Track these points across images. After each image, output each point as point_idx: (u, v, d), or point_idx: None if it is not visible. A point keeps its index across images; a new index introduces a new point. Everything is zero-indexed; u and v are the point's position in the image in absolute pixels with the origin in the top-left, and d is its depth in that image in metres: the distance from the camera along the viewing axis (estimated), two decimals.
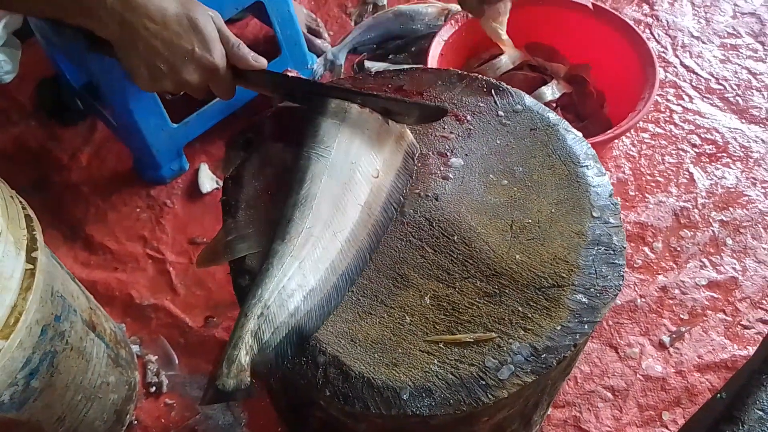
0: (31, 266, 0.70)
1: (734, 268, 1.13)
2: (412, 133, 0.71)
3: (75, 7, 0.59)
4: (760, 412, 0.62)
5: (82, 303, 0.86)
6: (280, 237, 0.60)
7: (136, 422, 0.99)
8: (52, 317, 0.75)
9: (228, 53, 0.66)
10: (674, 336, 1.06)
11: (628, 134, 1.31)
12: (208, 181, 1.26)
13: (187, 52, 0.61)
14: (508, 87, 0.76)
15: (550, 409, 0.98)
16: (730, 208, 1.21)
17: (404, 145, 0.69)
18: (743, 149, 1.30)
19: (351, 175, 0.64)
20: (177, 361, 1.05)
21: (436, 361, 0.55)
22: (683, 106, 1.37)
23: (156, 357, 1.06)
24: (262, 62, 0.69)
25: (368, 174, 0.65)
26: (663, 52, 1.47)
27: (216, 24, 0.64)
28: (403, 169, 0.68)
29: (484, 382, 0.54)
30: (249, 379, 0.54)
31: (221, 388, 0.53)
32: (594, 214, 0.64)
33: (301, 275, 0.58)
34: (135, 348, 1.06)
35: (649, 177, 1.26)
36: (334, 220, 0.62)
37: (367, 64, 1.42)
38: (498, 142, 0.71)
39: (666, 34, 1.51)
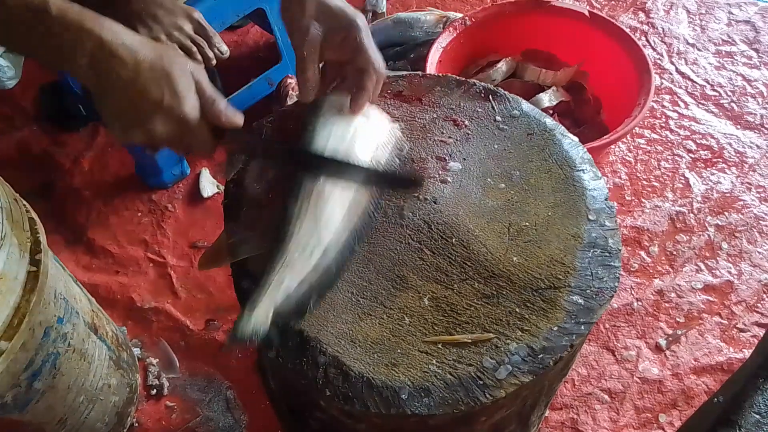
0: (35, 268, 0.70)
1: (730, 272, 1.14)
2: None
3: (54, 53, 0.57)
4: (757, 416, 0.62)
5: (84, 305, 0.87)
6: (293, 198, 0.63)
7: (137, 424, 1.00)
8: (55, 319, 0.76)
9: (203, 107, 0.62)
10: (671, 339, 1.07)
11: (624, 140, 1.33)
12: (209, 185, 1.27)
13: (156, 102, 0.58)
14: (506, 93, 0.77)
15: (547, 411, 0.98)
16: (726, 213, 1.22)
17: None
18: (738, 155, 1.31)
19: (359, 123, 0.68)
20: (178, 364, 1.06)
21: (434, 362, 0.56)
22: (679, 112, 1.39)
23: (157, 360, 1.06)
24: (237, 120, 0.65)
25: (370, 143, 0.68)
26: (659, 59, 1.49)
27: (195, 76, 0.61)
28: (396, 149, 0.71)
29: (482, 382, 0.55)
30: (268, 326, 0.57)
31: (240, 335, 0.56)
32: (590, 217, 0.65)
33: (318, 234, 0.62)
34: (136, 351, 1.07)
35: (645, 182, 1.28)
36: (351, 154, 0.65)
37: None
38: (496, 146, 0.72)
39: (662, 41, 1.53)
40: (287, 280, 0.59)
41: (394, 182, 0.68)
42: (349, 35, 0.66)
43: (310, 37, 0.66)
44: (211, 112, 0.62)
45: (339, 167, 0.65)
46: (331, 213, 0.63)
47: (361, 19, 0.67)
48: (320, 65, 0.70)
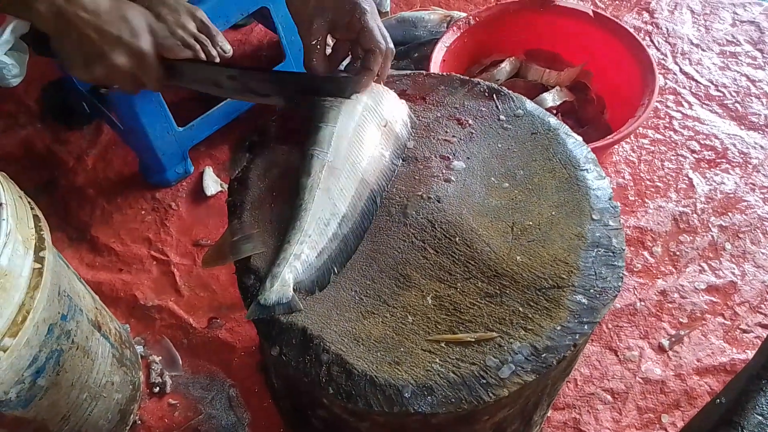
0: (39, 265, 0.71)
1: (733, 273, 1.14)
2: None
3: (14, 1, 0.65)
4: (760, 417, 0.62)
5: (87, 303, 0.87)
6: (305, 172, 0.65)
7: (139, 422, 1.00)
8: (59, 316, 0.76)
9: (157, 44, 0.71)
10: (673, 339, 1.07)
11: (628, 140, 1.33)
12: (213, 184, 1.28)
13: (116, 38, 0.67)
14: (510, 92, 0.77)
15: (550, 411, 0.98)
16: (729, 214, 1.22)
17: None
18: (742, 155, 1.31)
19: (362, 118, 0.69)
20: (180, 362, 1.06)
21: (437, 360, 0.56)
22: (683, 113, 1.38)
23: (160, 357, 1.07)
24: (187, 52, 0.76)
25: (377, 119, 0.70)
26: (663, 59, 1.49)
27: (147, 20, 0.71)
28: (405, 124, 0.73)
29: (485, 381, 0.55)
30: (291, 293, 0.59)
31: (263, 303, 0.59)
32: (594, 217, 0.65)
33: (332, 204, 0.64)
34: (139, 348, 1.07)
35: (648, 182, 1.27)
36: (351, 153, 0.67)
37: None
38: (499, 145, 0.72)
39: (666, 41, 1.53)
40: (306, 251, 0.61)
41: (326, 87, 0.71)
42: (353, 17, 0.69)
43: (316, 27, 0.70)
44: (163, 46, 0.72)
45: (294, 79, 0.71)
46: (345, 184, 0.65)
47: (365, 1, 0.70)
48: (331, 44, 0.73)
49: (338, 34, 0.72)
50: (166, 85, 0.75)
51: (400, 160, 0.71)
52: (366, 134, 0.69)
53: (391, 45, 0.71)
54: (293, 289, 0.60)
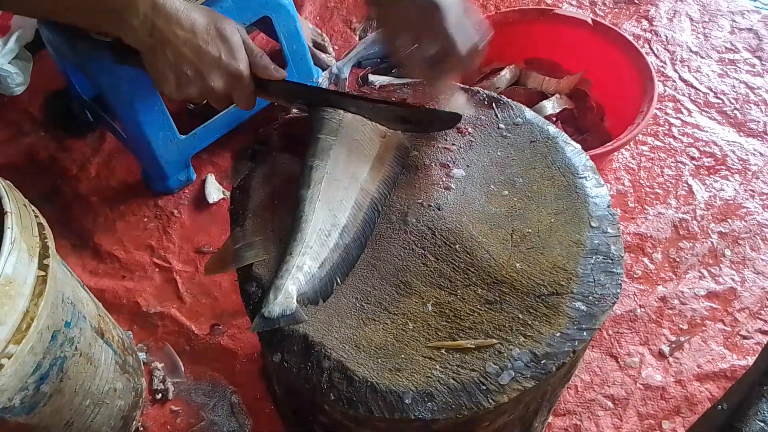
0: (43, 273, 0.71)
1: (733, 279, 1.15)
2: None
3: (106, 16, 0.62)
4: (762, 423, 0.62)
5: (91, 310, 0.88)
6: (305, 184, 0.66)
7: (142, 428, 1.00)
8: (63, 323, 0.76)
9: (251, 63, 0.68)
10: (674, 346, 1.07)
11: (627, 147, 1.33)
12: (215, 191, 1.28)
13: (215, 59, 0.64)
14: (509, 100, 0.78)
15: (550, 417, 0.99)
16: (729, 220, 1.23)
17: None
18: (741, 162, 1.31)
19: (363, 131, 0.71)
20: (183, 369, 1.07)
21: (438, 367, 0.57)
22: (682, 120, 1.39)
23: (162, 364, 1.07)
24: (282, 73, 0.72)
25: (377, 133, 0.71)
26: (662, 66, 1.50)
27: (241, 35, 0.67)
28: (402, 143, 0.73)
29: (485, 387, 0.55)
30: (294, 305, 0.60)
31: (267, 315, 0.59)
32: (592, 224, 0.66)
33: (333, 215, 0.64)
34: (142, 355, 1.07)
35: (648, 189, 1.28)
36: (351, 164, 0.68)
37: (372, 77, 1.45)
38: (499, 153, 0.73)
39: (665, 48, 1.53)
40: (308, 262, 0.62)
41: (431, 121, 0.71)
42: (433, 18, 0.68)
43: (400, 41, 0.68)
44: (258, 65, 0.69)
45: (374, 106, 0.68)
46: (345, 195, 0.66)
47: (446, 3, 0.68)
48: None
49: (420, 34, 0.70)
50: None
51: (402, 167, 0.71)
52: (366, 144, 0.70)
53: (471, 44, 0.70)
54: (297, 300, 0.60)
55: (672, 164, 1.32)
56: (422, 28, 0.69)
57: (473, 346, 0.58)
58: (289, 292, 0.60)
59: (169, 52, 0.63)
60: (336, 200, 0.65)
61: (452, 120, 0.72)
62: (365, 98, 0.71)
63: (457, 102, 0.74)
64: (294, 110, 0.76)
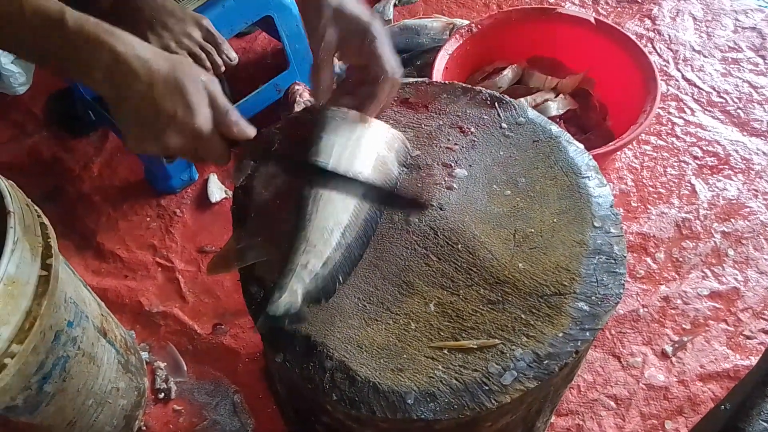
0: (46, 273, 0.71)
1: (736, 279, 1.14)
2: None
3: (71, 65, 0.58)
4: (765, 423, 0.62)
5: (93, 309, 0.88)
6: (308, 185, 0.66)
7: (144, 428, 1.00)
8: (65, 323, 0.77)
9: (216, 120, 0.62)
10: (677, 345, 1.07)
11: (630, 146, 1.33)
12: (217, 190, 1.28)
13: (170, 116, 0.59)
14: (512, 100, 0.78)
15: (553, 417, 0.98)
16: (732, 220, 1.22)
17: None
18: (744, 161, 1.31)
19: (365, 131, 0.70)
20: (185, 368, 1.07)
21: (440, 367, 0.57)
22: (685, 119, 1.39)
23: (165, 364, 1.07)
24: (249, 132, 0.65)
25: (379, 132, 0.71)
26: (665, 65, 1.49)
27: (208, 88, 0.61)
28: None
29: (487, 388, 0.55)
30: (299, 303, 0.59)
31: (272, 314, 0.59)
32: (595, 224, 0.66)
33: (335, 214, 0.64)
34: (144, 354, 1.07)
35: (651, 188, 1.28)
36: (353, 163, 0.67)
37: None
38: (501, 153, 0.73)
39: (668, 48, 1.53)
40: (312, 261, 0.62)
41: (397, 202, 0.69)
42: (364, 41, 0.67)
43: (326, 41, 0.67)
44: (223, 124, 0.62)
45: (345, 182, 0.66)
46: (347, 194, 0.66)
47: (377, 25, 0.68)
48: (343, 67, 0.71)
49: (347, 58, 0.71)
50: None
51: (403, 167, 0.71)
52: (368, 143, 0.70)
53: (399, 73, 0.70)
54: (301, 298, 0.60)
55: (675, 164, 1.31)
56: (351, 42, 0.68)
57: (476, 347, 0.58)
58: (293, 290, 0.60)
59: (127, 106, 0.59)
60: (339, 199, 0.65)
61: (416, 205, 0.69)
62: (336, 174, 0.67)
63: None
64: (303, 95, 0.73)
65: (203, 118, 0.60)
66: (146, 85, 0.57)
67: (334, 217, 0.64)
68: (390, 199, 0.69)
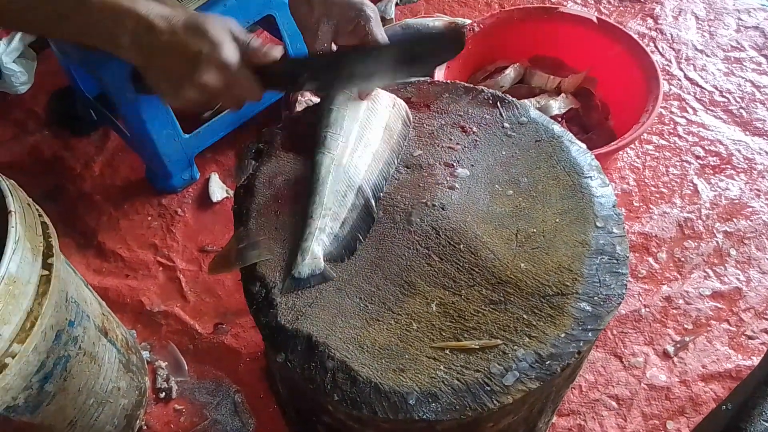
0: (47, 272, 0.71)
1: (738, 279, 1.14)
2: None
3: (99, 35, 0.62)
4: (766, 423, 0.62)
5: (94, 309, 0.88)
6: (320, 150, 0.69)
7: (145, 427, 1.00)
8: (66, 322, 0.77)
9: (241, 50, 0.65)
10: (678, 346, 1.07)
11: (632, 146, 1.33)
12: (218, 190, 1.28)
13: (197, 54, 0.62)
14: (514, 99, 0.78)
15: (554, 417, 0.98)
16: (734, 219, 1.22)
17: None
18: (747, 161, 1.31)
19: (372, 103, 0.73)
20: (186, 368, 1.07)
21: (442, 367, 0.57)
22: (687, 119, 1.38)
23: (166, 363, 1.07)
24: (275, 53, 0.68)
25: (385, 103, 0.74)
26: (667, 65, 1.49)
27: (228, 25, 0.65)
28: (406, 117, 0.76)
29: (489, 388, 0.55)
30: (322, 264, 0.63)
31: (297, 276, 0.62)
32: (597, 224, 0.66)
33: (348, 177, 0.68)
34: (145, 354, 1.07)
35: (653, 188, 1.27)
36: (363, 132, 0.71)
37: None
38: (503, 153, 0.73)
39: (670, 47, 1.53)
40: (329, 224, 0.65)
41: (432, 45, 0.69)
42: (358, 23, 0.69)
43: (322, 34, 0.70)
44: (249, 52, 0.66)
45: (374, 54, 0.68)
46: (358, 161, 0.69)
47: (369, 8, 0.70)
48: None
49: (342, 40, 0.72)
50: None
51: (407, 140, 0.74)
52: (376, 114, 0.72)
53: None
54: (323, 259, 0.63)
55: (677, 163, 1.31)
56: (345, 27, 0.69)
57: (477, 347, 0.57)
58: (315, 252, 0.63)
59: (157, 61, 0.63)
60: (351, 165, 0.68)
61: (456, 36, 0.69)
62: (367, 49, 0.70)
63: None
64: (305, 94, 0.75)
65: (229, 49, 0.63)
66: (169, 34, 0.61)
67: (347, 180, 0.67)
68: (421, 46, 0.69)
